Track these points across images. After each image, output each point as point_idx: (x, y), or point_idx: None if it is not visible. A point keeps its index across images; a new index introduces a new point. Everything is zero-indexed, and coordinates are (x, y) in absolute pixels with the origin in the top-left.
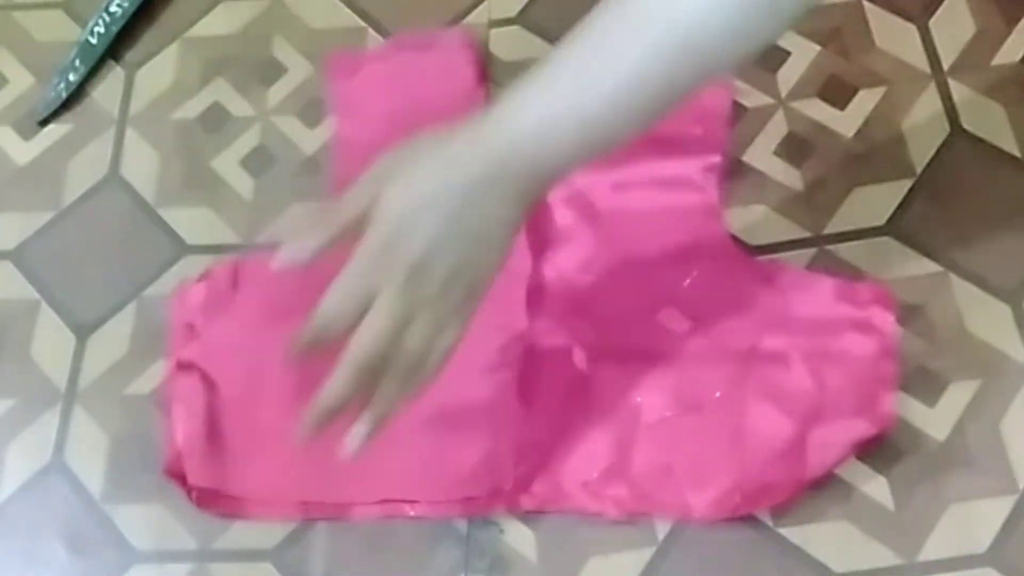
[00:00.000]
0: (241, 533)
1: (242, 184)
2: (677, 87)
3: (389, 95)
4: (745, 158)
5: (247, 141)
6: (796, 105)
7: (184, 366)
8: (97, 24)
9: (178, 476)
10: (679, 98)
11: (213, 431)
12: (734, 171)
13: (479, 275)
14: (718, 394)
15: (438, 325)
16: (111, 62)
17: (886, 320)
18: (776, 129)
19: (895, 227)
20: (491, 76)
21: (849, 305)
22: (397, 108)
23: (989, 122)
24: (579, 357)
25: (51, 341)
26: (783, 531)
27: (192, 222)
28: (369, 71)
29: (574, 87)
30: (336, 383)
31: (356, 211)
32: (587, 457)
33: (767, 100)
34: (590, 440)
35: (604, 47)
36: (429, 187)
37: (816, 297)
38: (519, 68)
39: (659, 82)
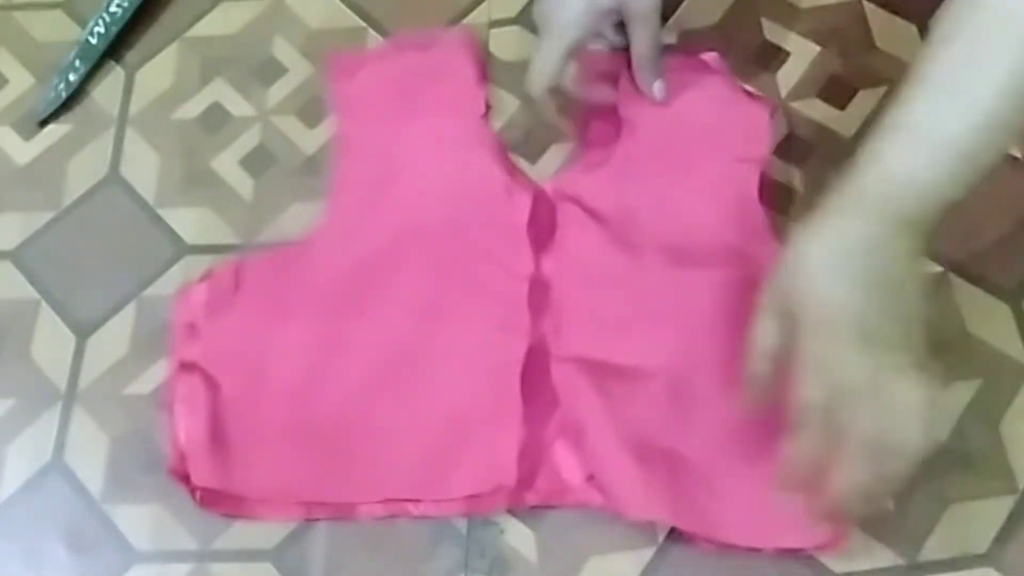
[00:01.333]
0: (241, 533)
1: (242, 184)
2: None
3: (389, 95)
4: None
5: (247, 141)
6: (796, 105)
7: (186, 366)
8: (97, 24)
9: (182, 476)
10: None
11: (216, 431)
12: None
13: (911, 320)
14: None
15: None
16: (111, 62)
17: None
18: (776, 130)
19: None
20: (491, 76)
21: None
22: (397, 108)
23: None
24: (581, 354)
25: (51, 341)
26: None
27: (192, 222)
28: (369, 71)
29: (945, 124)
30: (845, 474)
31: (771, 340)
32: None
33: None
34: (594, 435)
35: (968, 70)
36: (832, 261)
37: None
38: (519, 68)
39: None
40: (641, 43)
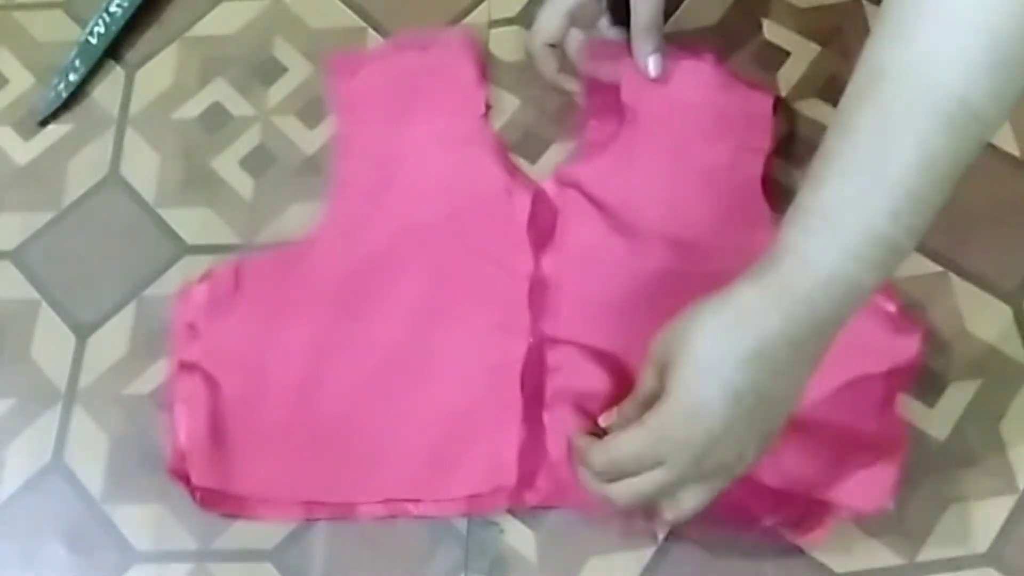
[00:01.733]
0: (241, 533)
1: (242, 184)
2: (961, 160)
3: (389, 95)
4: None
5: (247, 141)
6: (797, 105)
7: (186, 366)
8: (97, 24)
9: (182, 476)
10: (963, 170)
11: (216, 431)
12: None
13: (767, 439)
14: None
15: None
16: (111, 62)
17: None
18: (776, 129)
19: None
20: (491, 76)
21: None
22: (397, 108)
23: None
24: (581, 353)
25: (51, 341)
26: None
27: (192, 222)
28: (369, 71)
29: (864, 209)
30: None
31: (650, 386)
32: None
33: None
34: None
35: (881, 148)
36: (720, 355)
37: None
38: (519, 68)
39: (945, 159)
40: (641, 13)
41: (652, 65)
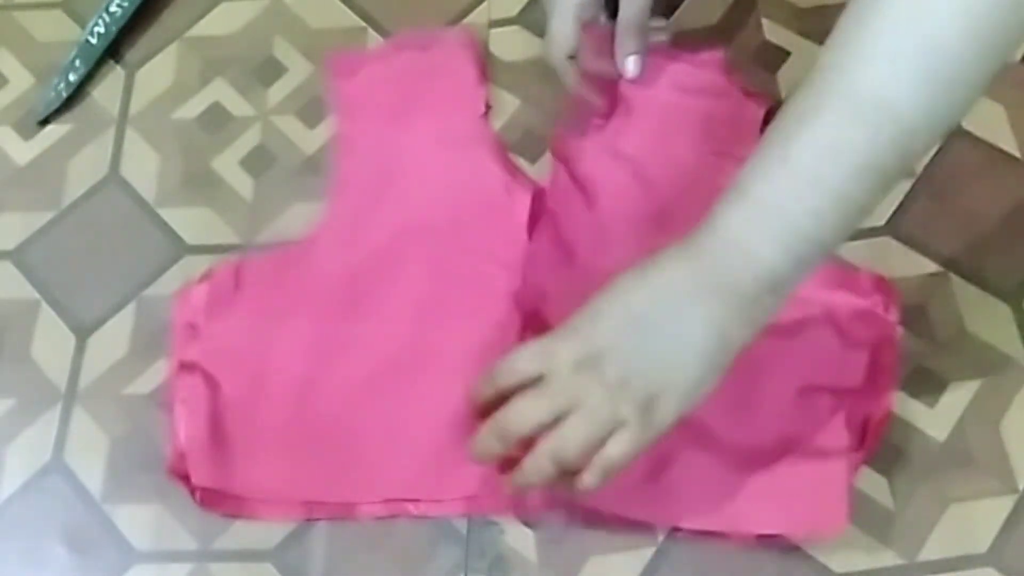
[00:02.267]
0: (241, 533)
1: (242, 184)
2: (879, 160)
3: (389, 95)
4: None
5: (247, 141)
6: None
7: (186, 366)
8: (97, 24)
9: (182, 476)
10: (884, 180)
11: (216, 431)
12: None
13: (659, 392)
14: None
15: (626, 433)
16: (111, 62)
17: (889, 310)
18: None
19: (895, 227)
20: (491, 76)
21: (849, 293)
22: (398, 108)
23: (989, 122)
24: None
25: (51, 341)
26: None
27: (192, 222)
28: (369, 71)
29: (769, 189)
30: (532, 469)
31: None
32: None
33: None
34: None
35: (824, 153)
36: (633, 301)
37: (815, 283)
38: (519, 68)
39: (858, 158)
40: (629, 9)
41: (631, 65)
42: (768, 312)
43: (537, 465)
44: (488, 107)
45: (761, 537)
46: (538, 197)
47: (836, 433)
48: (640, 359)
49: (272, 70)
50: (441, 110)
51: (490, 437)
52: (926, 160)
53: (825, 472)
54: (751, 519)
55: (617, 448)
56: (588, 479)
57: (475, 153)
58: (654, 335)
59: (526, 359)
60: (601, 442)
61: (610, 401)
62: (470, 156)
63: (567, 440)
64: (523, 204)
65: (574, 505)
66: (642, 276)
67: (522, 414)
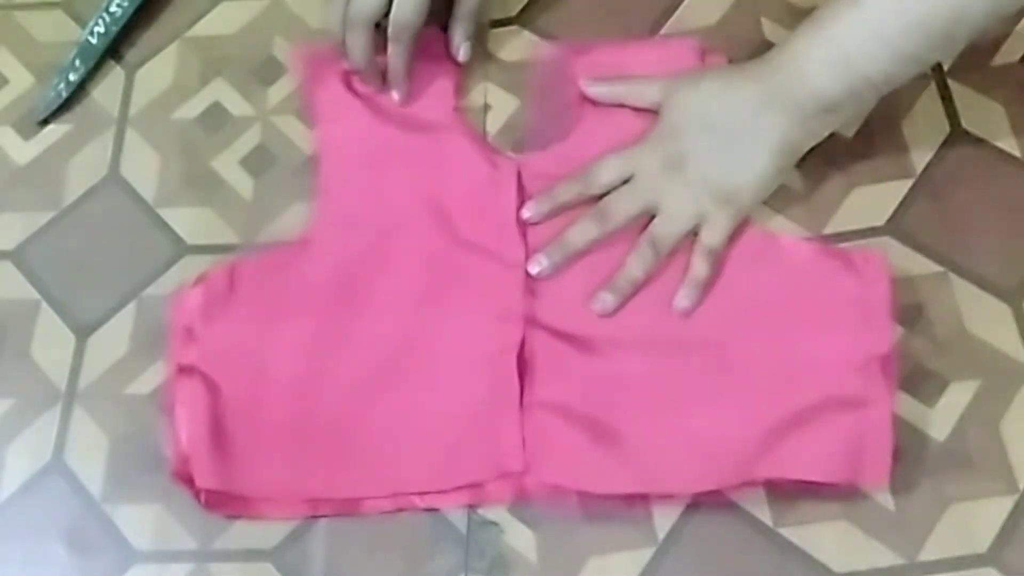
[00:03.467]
0: (241, 533)
1: (242, 184)
2: (934, 25)
3: (364, 89)
4: None
5: (247, 141)
6: None
7: (185, 370)
8: (97, 24)
9: (186, 479)
10: (941, 41)
11: (218, 432)
12: None
13: (736, 188)
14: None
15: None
16: (111, 62)
17: (879, 277)
18: None
19: (895, 227)
20: (491, 76)
21: (839, 262)
22: (373, 101)
23: (989, 122)
24: (578, 339)
25: (51, 341)
26: (783, 531)
27: (192, 222)
28: (341, 69)
29: (838, 28)
30: (635, 258)
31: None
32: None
33: None
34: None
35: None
36: (710, 112)
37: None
38: (519, 68)
39: (914, 17)
40: (465, 2)
41: (463, 52)
42: (827, 126)
43: (640, 253)
44: (488, 107)
45: (797, 484)
46: (525, 168)
47: (873, 381)
48: (718, 160)
49: (272, 70)
50: (415, 101)
51: (590, 222)
52: (926, 160)
53: (866, 420)
54: (792, 465)
55: (711, 234)
56: (699, 267)
57: (452, 138)
58: (729, 140)
59: (615, 164)
60: (690, 234)
61: (693, 197)
62: (447, 142)
63: (661, 228)
64: (509, 193)
65: (582, 493)
66: (719, 93)
67: (619, 203)
